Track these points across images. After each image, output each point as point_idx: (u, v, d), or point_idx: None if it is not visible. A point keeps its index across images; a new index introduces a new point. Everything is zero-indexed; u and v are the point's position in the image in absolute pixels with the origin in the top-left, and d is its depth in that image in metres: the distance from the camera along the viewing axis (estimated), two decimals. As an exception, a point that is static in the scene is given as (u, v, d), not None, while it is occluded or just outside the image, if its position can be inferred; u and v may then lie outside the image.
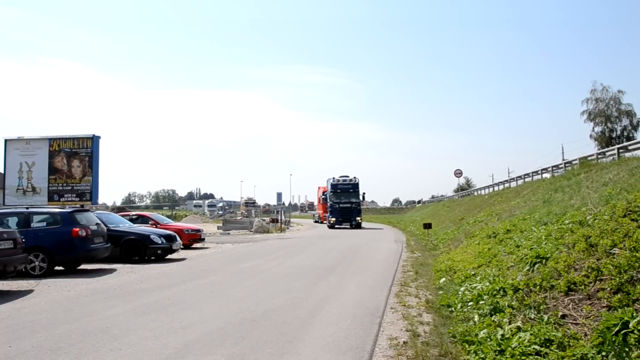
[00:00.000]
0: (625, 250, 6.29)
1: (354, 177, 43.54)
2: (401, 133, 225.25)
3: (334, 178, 44.00)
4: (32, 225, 13.17)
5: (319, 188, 49.80)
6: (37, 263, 12.63)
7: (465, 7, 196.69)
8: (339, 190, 42.63)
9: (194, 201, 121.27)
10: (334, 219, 41.91)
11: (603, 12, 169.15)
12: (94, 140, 18.47)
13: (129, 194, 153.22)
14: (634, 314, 4.86)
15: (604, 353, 4.38)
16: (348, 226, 41.55)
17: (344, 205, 41.92)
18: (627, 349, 4.20)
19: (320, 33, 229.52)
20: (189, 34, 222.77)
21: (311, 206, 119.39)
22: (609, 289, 5.74)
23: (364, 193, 43.93)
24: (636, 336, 4.52)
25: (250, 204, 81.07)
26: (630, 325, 4.65)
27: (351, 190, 42.66)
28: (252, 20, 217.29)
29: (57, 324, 7.20)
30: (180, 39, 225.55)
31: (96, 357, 5.57)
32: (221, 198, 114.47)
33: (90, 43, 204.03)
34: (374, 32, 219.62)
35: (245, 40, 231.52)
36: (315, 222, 57.07)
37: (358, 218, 41.92)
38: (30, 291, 10.29)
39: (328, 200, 43.58)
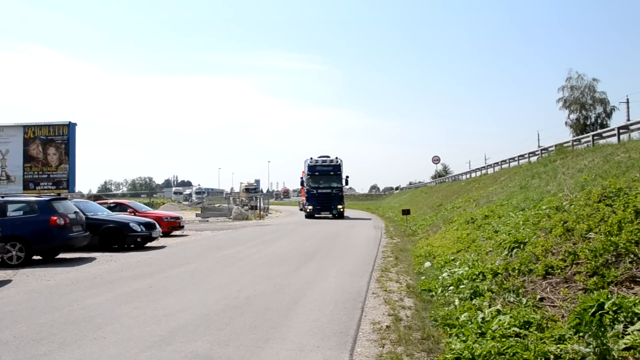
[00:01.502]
0: (601, 235, 6.47)
1: (336, 158, 36.30)
2: (380, 120, 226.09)
3: (311, 158, 36.39)
4: (8, 214, 12.94)
5: (303, 173, 39.74)
6: (14, 253, 12.44)
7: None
8: (317, 173, 35.65)
9: (174, 188, 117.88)
10: (311, 207, 35.62)
11: (584, 2, 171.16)
12: (70, 127, 18.13)
13: (105, 182, 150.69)
14: (609, 296, 5.03)
15: (581, 334, 4.52)
16: (329, 215, 35.78)
17: (322, 190, 35.31)
18: (602, 329, 4.34)
19: (298, 19, 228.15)
20: (167, 21, 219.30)
21: (286, 193, 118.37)
22: (585, 272, 5.91)
23: (347, 177, 36.82)
24: (611, 317, 4.69)
25: (251, 189, 69.61)
26: (606, 306, 4.81)
27: (332, 173, 35.75)
28: (230, 6, 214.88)
29: (38, 313, 7.14)
30: (158, 25, 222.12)
31: (80, 345, 5.55)
32: (199, 185, 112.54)
33: (68, 29, 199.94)
34: (352, 17, 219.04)
35: (223, 27, 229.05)
36: (301, 209, 50.42)
37: (340, 206, 35.48)
38: (8, 281, 10.16)
39: (305, 185, 36.85)
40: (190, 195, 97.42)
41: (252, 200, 58.38)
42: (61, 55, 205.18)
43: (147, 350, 5.36)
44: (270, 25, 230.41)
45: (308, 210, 36.08)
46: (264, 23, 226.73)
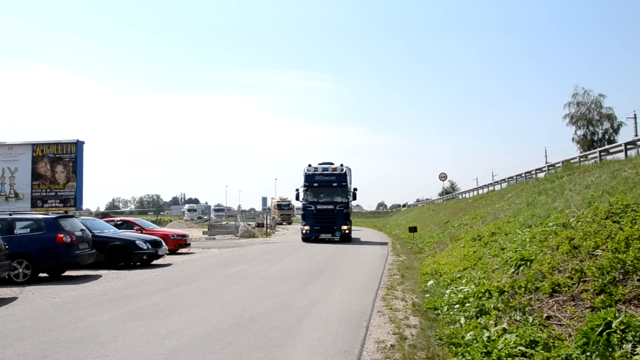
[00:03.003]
0: (608, 252, 6.40)
1: (341, 166, 28.55)
2: (387, 137, 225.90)
3: (309, 166, 28.58)
4: (15, 231, 13.01)
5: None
6: (20, 270, 12.47)
7: (451, 10, 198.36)
8: (316, 185, 28.02)
9: (187, 205, 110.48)
10: (308, 228, 27.72)
11: (586, 15, 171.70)
12: (78, 145, 18.24)
13: (113, 200, 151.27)
14: (617, 314, 4.95)
15: (588, 353, 4.46)
16: (331, 238, 27.79)
17: (323, 206, 27.66)
18: (610, 349, 4.28)
19: (305, 37, 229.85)
20: (175, 39, 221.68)
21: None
22: (592, 290, 5.84)
23: (354, 190, 29.54)
24: (619, 336, 4.61)
25: (284, 206, 63.69)
26: (613, 325, 4.74)
27: (335, 185, 27.95)
28: (238, 25, 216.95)
29: (43, 331, 7.14)
30: (165, 44, 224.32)
31: (83, 364, 5.53)
32: (206, 202, 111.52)
33: (75, 48, 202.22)
34: (359, 35, 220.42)
35: (231, 45, 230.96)
36: None
37: (344, 227, 27.47)
38: (14, 298, 10.17)
39: (301, 199, 28.66)
40: (204, 212, 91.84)
41: (286, 217, 54.56)
42: (70, 74, 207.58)
43: (149, 369, 5.32)
44: (277, 44, 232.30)
45: (305, 231, 27.87)
46: (271, 42, 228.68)
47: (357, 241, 28.19)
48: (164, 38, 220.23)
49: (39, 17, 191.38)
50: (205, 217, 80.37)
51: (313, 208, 27.75)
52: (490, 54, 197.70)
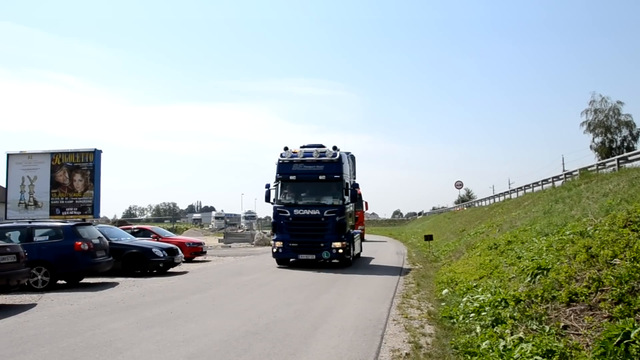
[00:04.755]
0: (626, 261, 6.32)
1: (334, 149, 18.15)
2: (401, 145, 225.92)
3: (285, 149, 18.41)
4: (34, 239, 13.21)
5: None
6: (39, 277, 12.64)
7: (465, 19, 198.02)
8: (293, 178, 18.05)
9: (214, 213, 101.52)
10: (280, 244, 17.79)
11: (605, 20, 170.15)
12: (96, 154, 18.51)
13: (130, 208, 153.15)
14: (635, 325, 4.89)
15: (605, 363, 4.41)
16: (317, 260, 17.48)
17: (303, 211, 17.70)
18: None
19: (319, 46, 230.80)
20: (190, 49, 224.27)
21: None
22: (610, 299, 5.77)
23: (353, 186, 19.29)
24: (638, 347, 4.55)
25: None
26: (632, 335, 4.68)
27: (323, 178, 17.74)
28: (252, 34, 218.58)
29: (60, 337, 7.23)
30: (181, 53, 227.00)
31: (100, 370, 5.59)
32: (222, 211, 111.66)
33: (92, 58, 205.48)
34: (373, 44, 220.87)
35: (244, 54, 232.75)
36: None
37: (337, 243, 17.33)
38: (33, 305, 10.31)
39: (271, 201, 18.34)
40: (252, 217, 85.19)
41: None
42: (84, 83, 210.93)
43: (166, 376, 5.36)
44: (291, 53, 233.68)
45: (277, 249, 17.89)
46: (285, 50, 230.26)
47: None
48: (180, 48, 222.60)
49: (60, 28, 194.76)
50: (235, 225, 77.63)
51: (288, 214, 17.50)
52: (506, 62, 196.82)
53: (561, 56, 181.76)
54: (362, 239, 26.33)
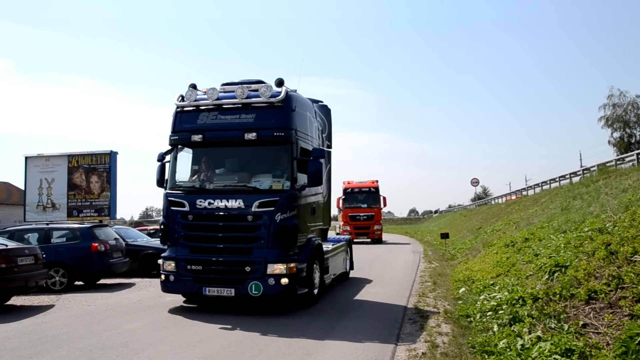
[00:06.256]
0: (647, 258, 6.21)
1: (278, 86, 9.53)
2: (416, 143, 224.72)
3: (191, 89, 9.71)
4: (52, 240, 13.34)
5: (337, 199, 27.74)
6: (57, 278, 12.77)
7: (477, 17, 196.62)
8: (198, 139, 9.60)
9: None
10: (173, 266, 9.63)
11: (625, 14, 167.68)
12: (112, 156, 18.64)
13: (146, 209, 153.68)
14: (657, 322, 4.79)
15: (626, 362, 4.32)
16: (241, 295, 8.96)
17: (214, 203, 9.19)
18: (650, 358, 4.14)
19: (333, 45, 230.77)
20: (206, 49, 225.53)
21: None
22: (630, 297, 5.66)
23: (316, 161, 9.34)
24: (659, 345, 4.46)
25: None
26: (653, 333, 4.59)
27: (250, 137, 9.25)
28: (266, 34, 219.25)
29: (78, 338, 7.28)
30: (197, 53, 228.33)
31: (117, 371, 5.61)
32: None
33: (109, 61, 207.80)
34: (387, 42, 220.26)
35: (258, 54, 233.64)
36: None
37: (278, 266, 8.69)
38: (51, 306, 10.42)
39: (165, 189, 10.00)
40: None
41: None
42: (101, 85, 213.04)
43: (181, 377, 5.36)
44: (304, 52, 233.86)
45: (166, 275, 9.71)
46: (299, 49, 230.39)
47: (389, 248, 21.44)
48: (193, 49, 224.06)
49: (77, 32, 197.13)
50: None
51: (186, 208, 9.50)
52: (519, 58, 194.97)
53: (575, 51, 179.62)
54: (379, 240, 24.39)
